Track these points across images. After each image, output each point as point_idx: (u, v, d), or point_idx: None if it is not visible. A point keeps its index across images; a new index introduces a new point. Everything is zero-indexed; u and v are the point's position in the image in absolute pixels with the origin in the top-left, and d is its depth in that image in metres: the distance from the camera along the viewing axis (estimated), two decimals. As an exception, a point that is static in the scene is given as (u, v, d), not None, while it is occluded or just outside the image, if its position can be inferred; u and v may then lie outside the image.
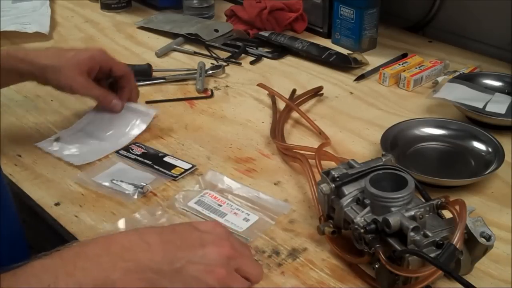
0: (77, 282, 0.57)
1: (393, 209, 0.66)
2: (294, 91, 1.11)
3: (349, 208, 0.71)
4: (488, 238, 0.67)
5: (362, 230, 0.66)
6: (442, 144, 0.95)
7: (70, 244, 0.62)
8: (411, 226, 0.63)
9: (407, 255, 0.63)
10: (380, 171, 0.71)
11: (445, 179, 0.86)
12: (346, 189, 0.72)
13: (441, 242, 0.64)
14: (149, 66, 1.19)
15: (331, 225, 0.73)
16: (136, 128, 0.99)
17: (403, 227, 0.64)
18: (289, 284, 0.71)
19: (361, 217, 0.68)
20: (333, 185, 0.72)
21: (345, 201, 0.71)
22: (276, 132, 0.98)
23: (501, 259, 0.75)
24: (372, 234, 0.66)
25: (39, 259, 0.60)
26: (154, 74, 1.20)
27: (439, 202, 0.68)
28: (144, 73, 1.18)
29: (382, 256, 0.65)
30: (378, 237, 0.66)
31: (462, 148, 0.94)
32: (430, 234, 0.64)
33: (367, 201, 0.69)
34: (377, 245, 0.66)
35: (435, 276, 0.63)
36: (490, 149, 0.92)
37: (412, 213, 0.65)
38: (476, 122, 1.00)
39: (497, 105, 1.02)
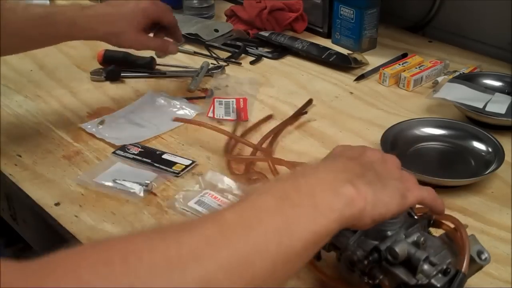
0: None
1: (389, 232, 0.62)
2: (309, 101, 1.08)
3: (339, 232, 0.60)
4: (484, 258, 0.64)
5: (365, 262, 0.61)
6: (442, 144, 0.95)
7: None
8: (423, 257, 0.60)
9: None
10: None
11: (445, 179, 0.86)
12: None
13: (448, 270, 0.61)
14: (152, 59, 1.21)
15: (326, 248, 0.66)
16: (174, 122, 1.02)
17: (412, 258, 0.60)
18: (289, 284, 0.71)
19: (353, 243, 0.63)
20: None
21: None
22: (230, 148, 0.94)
23: (501, 259, 0.75)
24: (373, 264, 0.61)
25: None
26: (156, 68, 1.23)
27: (431, 221, 0.66)
28: (147, 65, 1.21)
29: None
30: (379, 266, 0.61)
31: (462, 148, 0.94)
32: (436, 262, 0.61)
33: None
34: (381, 277, 0.61)
35: None
36: (490, 149, 0.92)
37: (415, 238, 0.62)
38: (476, 122, 1.00)
39: (497, 105, 1.02)
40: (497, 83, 1.10)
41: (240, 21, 1.39)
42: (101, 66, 1.21)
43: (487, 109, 1.01)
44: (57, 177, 0.90)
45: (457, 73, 1.15)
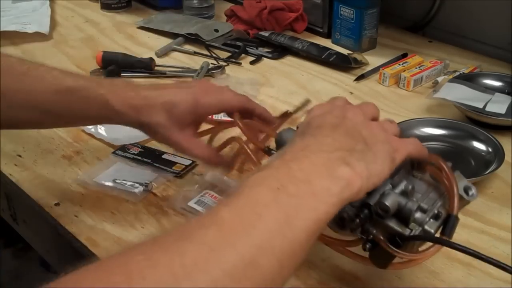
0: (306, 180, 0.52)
1: None
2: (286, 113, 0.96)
3: None
4: (471, 194, 0.64)
5: (357, 220, 0.59)
6: (442, 144, 0.95)
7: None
8: (414, 207, 0.59)
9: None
10: None
11: (445, 179, 0.86)
12: None
13: (440, 214, 0.61)
14: (151, 59, 1.22)
15: None
16: None
17: (404, 209, 0.60)
18: (289, 284, 0.71)
19: None
20: None
21: None
22: None
23: (501, 259, 0.74)
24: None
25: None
26: (156, 69, 1.22)
27: (414, 164, 0.64)
28: (146, 66, 1.21)
29: (386, 243, 0.60)
30: (371, 220, 0.60)
31: (462, 148, 0.94)
32: (427, 207, 0.60)
33: None
34: (375, 231, 0.60)
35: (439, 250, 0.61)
36: (490, 149, 0.92)
37: (402, 187, 0.61)
38: (476, 122, 1.00)
39: (497, 105, 1.02)
40: (497, 83, 1.10)
41: (240, 21, 1.39)
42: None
43: (487, 109, 1.01)
44: (57, 177, 0.90)
45: (457, 73, 1.16)
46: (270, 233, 0.47)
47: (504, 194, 0.87)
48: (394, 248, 0.60)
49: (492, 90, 1.07)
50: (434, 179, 0.64)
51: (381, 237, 0.60)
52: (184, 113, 0.76)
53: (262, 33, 1.33)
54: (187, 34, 1.34)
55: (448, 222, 0.60)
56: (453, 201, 0.60)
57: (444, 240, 0.59)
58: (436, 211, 0.61)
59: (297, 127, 0.66)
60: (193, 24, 1.38)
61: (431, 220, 0.60)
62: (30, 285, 1.85)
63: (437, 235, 0.60)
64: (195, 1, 1.46)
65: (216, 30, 1.35)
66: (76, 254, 0.79)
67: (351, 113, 0.61)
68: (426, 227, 0.60)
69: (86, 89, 0.74)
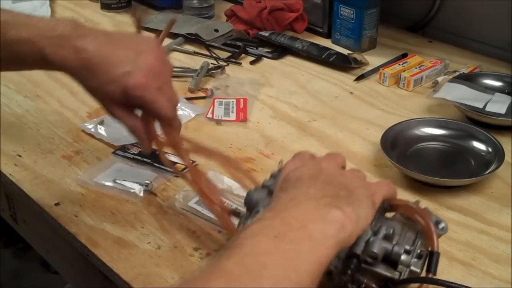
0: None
1: None
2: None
3: None
4: (442, 228, 0.65)
5: (348, 271, 0.60)
6: (442, 144, 0.95)
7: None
8: (401, 251, 0.61)
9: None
10: None
11: (445, 179, 0.86)
12: None
13: (422, 252, 0.62)
14: None
15: None
16: None
17: (391, 254, 0.61)
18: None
19: None
20: None
21: None
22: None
23: (501, 259, 0.75)
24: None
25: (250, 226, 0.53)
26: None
27: (386, 207, 0.66)
28: None
29: None
30: (359, 269, 0.60)
31: (462, 148, 0.94)
32: (409, 248, 0.62)
33: None
34: (366, 280, 0.61)
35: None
36: (490, 149, 0.92)
37: (384, 232, 0.62)
38: (476, 122, 1.00)
39: (497, 105, 1.02)
40: (497, 83, 1.10)
41: (240, 21, 1.39)
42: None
43: (487, 109, 1.01)
44: (57, 177, 0.90)
45: (457, 73, 1.15)
46: (277, 280, 0.48)
47: (504, 194, 0.87)
48: None
49: (492, 90, 1.07)
50: (404, 217, 0.66)
51: (373, 285, 0.61)
52: (112, 94, 0.70)
53: (262, 33, 1.33)
54: (187, 34, 1.34)
55: (432, 259, 0.62)
56: (432, 239, 0.62)
57: (436, 279, 0.61)
58: (418, 251, 0.62)
59: (263, 185, 0.68)
60: (193, 24, 1.38)
61: (415, 259, 0.62)
62: (30, 285, 1.85)
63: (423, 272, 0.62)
64: (195, 1, 1.46)
65: (216, 30, 1.35)
66: (76, 254, 0.79)
67: (325, 164, 0.63)
68: (412, 268, 0.61)
69: (26, 42, 0.69)
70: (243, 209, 0.70)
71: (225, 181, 0.87)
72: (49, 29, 0.69)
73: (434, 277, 0.61)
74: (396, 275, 0.61)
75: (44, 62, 0.70)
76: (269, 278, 0.48)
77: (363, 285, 0.62)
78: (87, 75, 0.70)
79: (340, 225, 0.54)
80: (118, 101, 0.71)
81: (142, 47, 0.72)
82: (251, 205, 0.67)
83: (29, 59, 0.70)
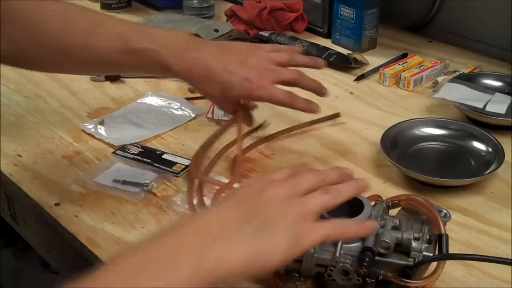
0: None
1: None
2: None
3: (318, 251, 0.63)
4: (444, 215, 0.67)
5: (364, 265, 0.61)
6: (442, 144, 0.95)
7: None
8: (412, 236, 0.62)
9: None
10: None
11: (445, 179, 0.86)
12: None
13: (431, 237, 0.64)
14: None
15: (302, 279, 0.65)
16: (173, 122, 1.03)
17: (402, 242, 0.62)
18: (289, 284, 0.71)
19: (340, 254, 0.62)
20: None
21: None
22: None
23: (501, 259, 0.75)
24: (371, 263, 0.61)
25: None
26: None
27: (389, 204, 0.69)
28: None
29: (399, 278, 0.62)
30: (375, 262, 0.62)
31: (462, 148, 0.94)
32: (417, 235, 0.63)
33: None
34: (382, 271, 0.62)
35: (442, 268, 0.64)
36: (490, 149, 0.92)
37: (391, 224, 0.64)
38: (476, 122, 1.00)
39: (497, 105, 1.02)
40: (497, 83, 1.10)
41: (240, 21, 1.39)
42: (101, 66, 1.21)
43: (487, 109, 1.01)
44: (57, 177, 0.90)
45: (457, 73, 1.15)
46: None
47: (504, 194, 0.87)
48: (409, 280, 0.62)
49: (492, 90, 1.07)
50: (407, 211, 0.68)
51: (391, 275, 0.62)
52: (236, 97, 0.83)
53: (262, 33, 1.33)
54: (187, 34, 1.34)
55: (442, 241, 0.63)
56: (438, 222, 0.65)
57: (450, 254, 0.64)
58: (427, 236, 0.64)
59: None
60: (193, 24, 1.38)
61: (426, 245, 0.63)
62: (30, 285, 1.85)
63: None
64: (195, 1, 1.46)
65: (216, 30, 1.35)
66: (76, 254, 0.79)
67: (275, 189, 0.58)
68: (425, 253, 0.63)
69: (149, 52, 0.78)
70: None
71: (222, 181, 0.87)
72: (168, 40, 0.80)
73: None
74: (410, 261, 0.62)
75: (165, 70, 0.79)
76: None
77: (381, 277, 0.63)
78: (207, 83, 0.80)
79: (211, 274, 0.51)
80: (237, 101, 0.84)
81: (245, 52, 0.83)
82: None
83: (150, 66, 0.80)
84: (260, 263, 0.53)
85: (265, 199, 0.57)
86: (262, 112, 1.08)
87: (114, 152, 0.95)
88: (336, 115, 1.05)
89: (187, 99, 1.11)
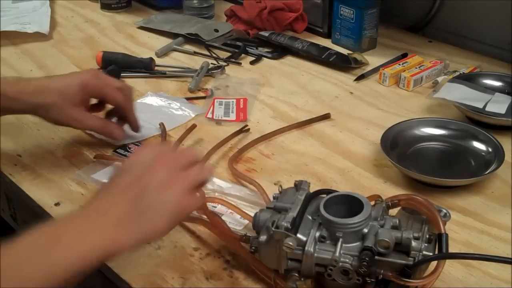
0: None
1: (365, 230, 0.64)
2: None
3: (318, 251, 0.64)
4: (444, 214, 0.67)
5: (364, 264, 0.61)
6: (442, 144, 0.95)
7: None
8: (411, 235, 0.62)
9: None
10: (322, 202, 0.67)
11: (445, 179, 0.86)
12: (301, 234, 0.65)
13: (431, 237, 0.64)
14: (151, 59, 1.22)
15: (302, 278, 0.66)
16: (173, 122, 1.03)
17: (402, 241, 0.62)
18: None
19: (339, 254, 0.63)
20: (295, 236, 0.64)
21: (310, 246, 0.64)
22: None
23: (501, 259, 0.75)
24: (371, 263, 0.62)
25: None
26: (156, 69, 1.23)
27: (389, 203, 0.69)
28: (146, 66, 1.21)
29: (399, 278, 0.62)
30: (375, 262, 0.62)
31: (462, 148, 0.94)
32: (417, 235, 0.63)
33: (339, 234, 0.63)
34: (382, 271, 0.62)
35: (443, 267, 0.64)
36: (490, 149, 0.92)
37: (391, 223, 0.64)
38: (476, 122, 1.00)
39: (497, 105, 1.02)
40: (497, 83, 1.10)
41: (240, 21, 1.39)
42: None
43: (487, 109, 1.01)
44: (57, 177, 0.90)
45: (457, 73, 1.15)
46: (35, 277, 0.57)
47: (504, 194, 0.87)
48: (409, 280, 0.62)
49: (492, 90, 1.07)
50: (407, 211, 0.68)
51: (391, 274, 0.62)
52: (75, 92, 0.88)
53: (262, 33, 1.33)
54: (187, 34, 1.34)
55: (441, 240, 0.63)
56: (438, 222, 0.64)
57: (450, 253, 0.64)
58: (427, 236, 0.64)
59: (267, 207, 0.70)
60: (193, 24, 1.38)
61: (425, 244, 0.63)
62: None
63: None
64: (195, 1, 1.46)
65: (216, 30, 1.35)
66: (76, 254, 0.79)
67: (154, 171, 0.65)
68: (424, 252, 0.63)
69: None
70: (251, 234, 0.72)
71: (215, 182, 0.87)
72: None
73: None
74: (410, 261, 0.62)
75: None
76: (29, 272, 0.56)
77: (381, 276, 0.63)
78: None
79: (110, 250, 0.60)
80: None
81: None
82: (259, 226, 0.69)
83: None
84: (147, 239, 0.65)
85: (144, 184, 0.64)
86: (262, 112, 1.08)
87: (115, 151, 0.95)
88: (326, 116, 1.05)
89: (187, 99, 1.11)
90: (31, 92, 0.88)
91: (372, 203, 0.68)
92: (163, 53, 1.29)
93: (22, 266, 0.56)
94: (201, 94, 1.14)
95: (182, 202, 0.64)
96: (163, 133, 0.98)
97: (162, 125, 1.00)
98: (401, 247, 0.63)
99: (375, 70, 1.20)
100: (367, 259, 0.61)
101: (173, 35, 1.36)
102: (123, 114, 0.95)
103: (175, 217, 0.64)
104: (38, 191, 0.87)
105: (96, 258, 0.59)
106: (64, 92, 0.88)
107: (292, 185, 0.74)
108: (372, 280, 0.63)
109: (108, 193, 0.65)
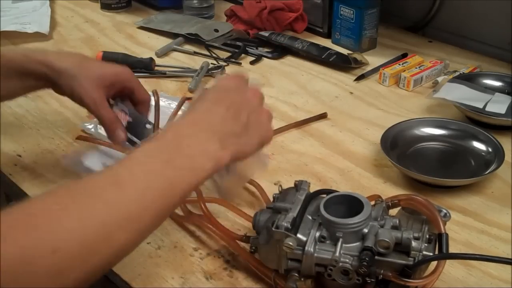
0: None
1: (365, 230, 0.64)
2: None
3: (318, 251, 0.64)
4: (444, 215, 0.67)
5: (363, 263, 0.61)
6: (442, 144, 0.95)
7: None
8: (411, 236, 0.62)
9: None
10: (322, 202, 0.67)
11: (445, 179, 0.86)
12: (302, 234, 0.65)
13: (431, 237, 0.64)
14: (151, 59, 1.22)
15: (302, 278, 0.66)
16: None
17: (402, 241, 0.62)
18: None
19: (339, 254, 0.63)
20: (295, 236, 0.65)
21: (310, 246, 0.64)
22: None
23: (501, 259, 0.75)
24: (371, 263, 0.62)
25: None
26: (156, 69, 1.23)
27: (389, 203, 0.69)
28: (146, 66, 1.21)
29: (399, 278, 0.62)
30: (375, 262, 0.62)
31: (462, 148, 0.94)
32: (417, 235, 0.63)
33: (339, 235, 0.63)
34: (382, 271, 0.62)
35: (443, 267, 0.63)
36: (490, 149, 0.92)
37: (391, 223, 0.64)
38: (476, 122, 1.00)
39: (497, 105, 1.02)
40: (497, 83, 1.10)
41: (240, 21, 1.39)
42: (101, 66, 1.21)
43: (487, 109, 1.01)
44: (57, 177, 0.90)
45: (457, 73, 1.15)
46: (155, 196, 0.58)
47: (504, 194, 0.87)
48: (409, 280, 0.62)
49: (492, 90, 1.07)
50: (407, 211, 0.68)
51: (391, 274, 0.62)
52: (110, 75, 0.85)
53: (262, 33, 1.33)
54: (187, 34, 1.34)
55: (441, 240, 0.63)
56: (438, 222, 0.64)
57: (450, 253, 0.64)
58: (427, 236, 0.64)
59: (267, 207, 0.71)
60: (193, 24, 1.38)
61: (425, 244, 0.63)
62: (30, 285, 1.84)
63: None
64: (195, 1, 1.46)
65: (216, 30, 1.35)
66: (76, 254, 0.79)
67: (251, 96, 0.70)
68: (424, 252, 0.63)
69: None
70: (250, 234, 0.72)
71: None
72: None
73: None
74: (410, 261, 0.62)
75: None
76: (149, 193, 0.58)
77: (381, 276, 0.63)
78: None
79: (218, 162, 0.63)
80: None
81: None
82: (259, 226, 0.69)
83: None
84: (239, 159, 0.67)
85: (246, 106, 0.68)
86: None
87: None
88: (323, 115, 1.05)
89: (187, 99, 1.11)
90: (64, 59, 0.84)
91: (372, 203, 0.68)
92: (163, 53, 1.29)
93: (145, 191, 0.58)
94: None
95: (271, 130, 0.70)
96: (157, 105, 0.94)
97: (155, 93, 0.95)
98: (401, 247, 0.63)
99: (375, 70, 1.20)
100: (367, 259, 0.61)
101: (173, 35, 1.36)
102: (140, 110, 0.91)
103: (263, 142, 0.69)
104: (38, 191, 0.87)
105: (203, 178, 0.62)
106: (98, 70, 0.84)
107: (292, 185, 0.74)
108: (372, 280, 0.63)
109: (210, 109, 0.66)
